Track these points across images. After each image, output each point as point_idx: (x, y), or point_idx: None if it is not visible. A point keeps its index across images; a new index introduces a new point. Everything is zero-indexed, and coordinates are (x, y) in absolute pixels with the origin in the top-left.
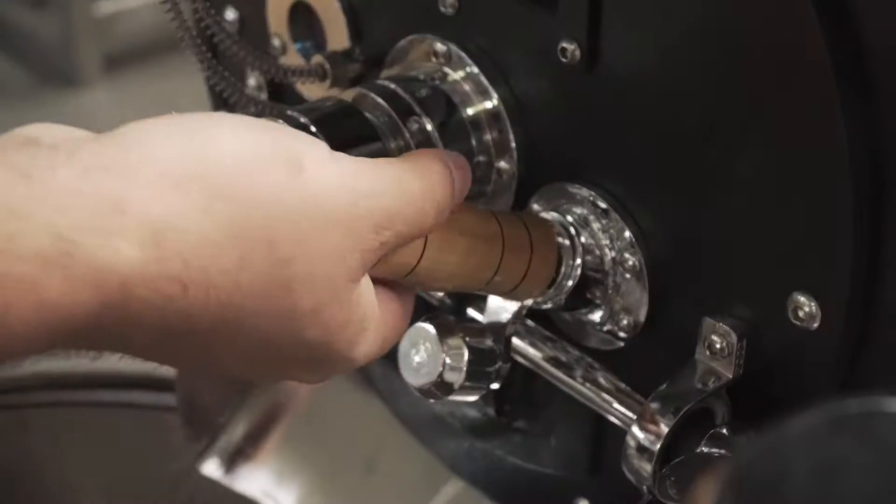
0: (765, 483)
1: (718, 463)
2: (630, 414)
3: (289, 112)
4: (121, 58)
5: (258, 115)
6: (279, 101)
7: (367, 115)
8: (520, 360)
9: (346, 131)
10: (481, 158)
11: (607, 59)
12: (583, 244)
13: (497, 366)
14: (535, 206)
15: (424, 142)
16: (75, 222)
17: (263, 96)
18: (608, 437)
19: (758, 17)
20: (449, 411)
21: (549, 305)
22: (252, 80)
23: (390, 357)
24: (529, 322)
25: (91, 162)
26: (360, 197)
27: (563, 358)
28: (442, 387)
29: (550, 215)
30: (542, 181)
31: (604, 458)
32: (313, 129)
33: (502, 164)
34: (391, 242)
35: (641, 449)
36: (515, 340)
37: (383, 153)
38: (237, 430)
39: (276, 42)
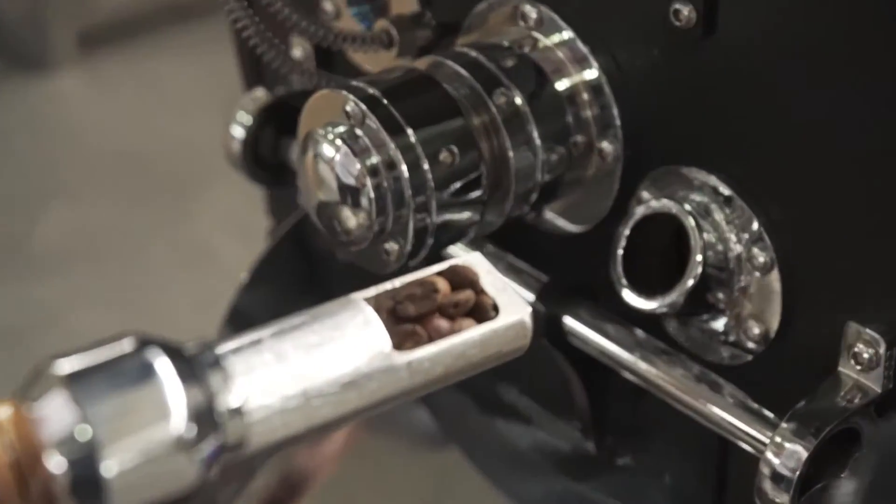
0: None
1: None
2: (762, 437)
3: (354, 83)
4: (96, 37)
5: (307, 85)
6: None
7: (446, 86)
8: (628, 376)
9: (421, 105)
10: (579, 138)
11: (727, 22)
12: (703, 238)
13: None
14: (645, 194)
15: (513, 117)
16: None
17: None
18: (734, 467)
19: None
20: (533, 445)
21: (663, 310)
22: (297, 51)
23: (460, 386)
24: (639, 332)
25: None
26: None
27: (682, 373)
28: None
29: (663, 203)
30: (651, 165)
31: (729, 494)
32: (385, 101)
33: (604, 145)
34: None
35: (777, 477)
36: (620, 352)
37: (466, 131)
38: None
39: (327, 5)
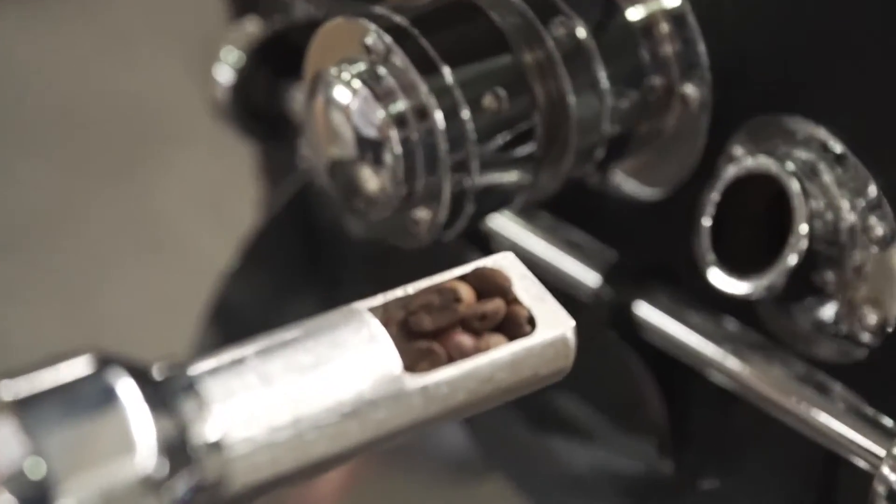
0: None
1: None
2: (877, 450)
3: (376, 10)
4: None
5: (314, 14)
6: (338, 1)
7: (491, 15)
8: (715, 377)
9: (460, 38)
10: (657, 81)
11: None
12: (809, 205)
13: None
14: (737, 151)
15: (574, 53)
16: None
17: None
18: (845, 490)
19: None
20: (596, 466)
21: (759, 294)
22: None
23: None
24: (729, 322)
25: None
26: None
27: (782, 372)
28: None
29: (760, 162)
30: (746, 114)
31: None
32: (415, 32)
33: (689, 90)
34: None
35: (895, 498)
36: (705, 346)
37: (515, 70)
38: None
39: None
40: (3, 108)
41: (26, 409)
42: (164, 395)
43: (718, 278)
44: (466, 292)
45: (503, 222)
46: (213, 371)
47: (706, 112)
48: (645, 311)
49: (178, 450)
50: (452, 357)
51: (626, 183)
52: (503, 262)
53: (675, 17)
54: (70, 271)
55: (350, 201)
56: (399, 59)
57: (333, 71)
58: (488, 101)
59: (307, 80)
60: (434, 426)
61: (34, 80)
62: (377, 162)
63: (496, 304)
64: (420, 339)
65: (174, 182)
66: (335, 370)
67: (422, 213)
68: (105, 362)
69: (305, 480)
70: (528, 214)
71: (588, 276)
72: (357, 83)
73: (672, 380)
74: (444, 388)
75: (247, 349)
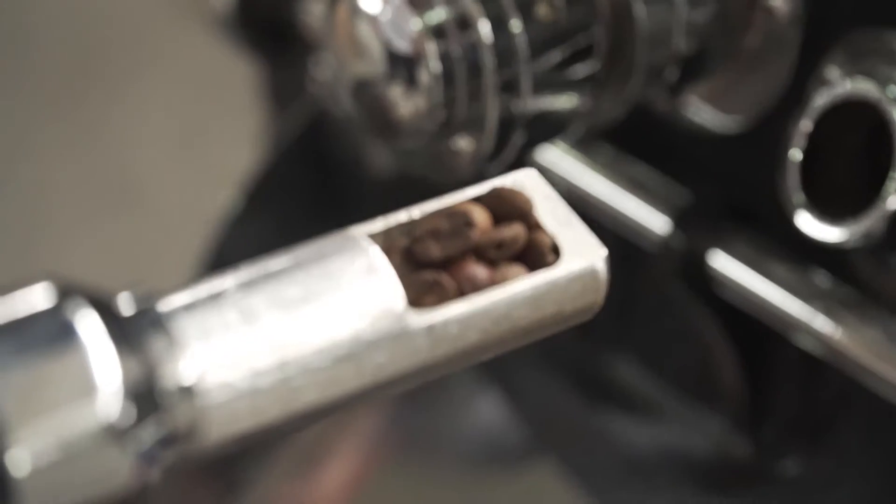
0: None
1: None
2: None
3: None
4: None
5: None
6: None
7: None
8: (802, 340)
9: None
10: None
11: None
12: None
13: None
14: (832, 73)
15: None
16: None
17: None
18: None
19: None
20: (661, 447)
21: (855, 242)
22: None
23: (550, 363)
24: (820, 275)
25: None
26: None
27: (880, 335)
28: None
29: (859, 85)
30: (843, 28)
31: None
32: None
33: (776, 1)
34: None
35: None
36: (791, 303)
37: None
38: None
39: None
40: None
41: None
42: (131, 332)
43: (808, 223)
44: (481, 216)
45: (556, 155)
46: (188, 306)
47: (796, 26)
48: (721, 261)
49: (145, 395)
50: (464, 291)
51: (702, 110)
52: (525, 181)
53: None
54: (17, 231)
55: (377, 128)
56: None
57: None
58: (542, 9)
59: None
60: (442, 372)
61: None
62: (411, 81)
63: (515, 230)
64: (426, 269)
65: (146, 113)
66: (328, 305)
67: (463, 143)
68: (65, 293)
69: (292, 431)
70: (586, 146)
71: (655, 220)
72: None
73: (751, 343)
74: (454, 327)
75: (227, 281)
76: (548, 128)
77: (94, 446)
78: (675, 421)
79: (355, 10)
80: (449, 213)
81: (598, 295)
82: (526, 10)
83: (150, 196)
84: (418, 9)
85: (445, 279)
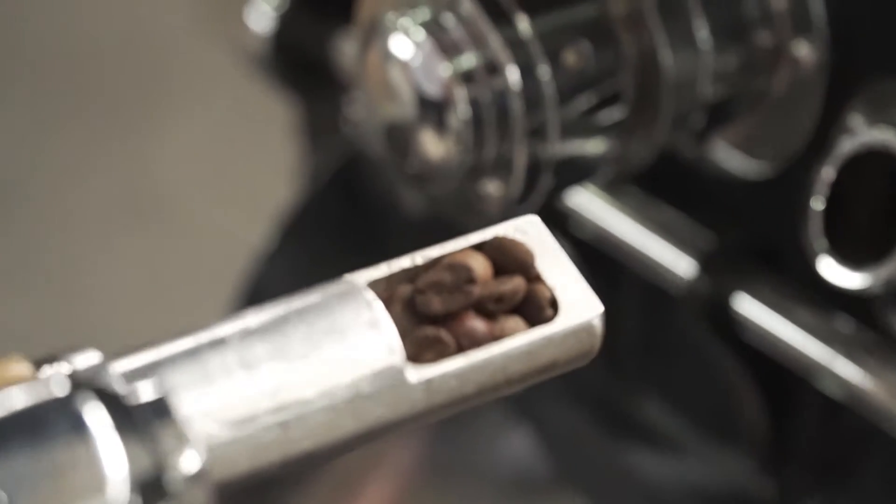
0: None
1: None
2: None
3: None
4: None
5: None
6: None
7: None
8: (825, 384)
9: None
10: (765, 38)
11: None
12: None
13: None
14: (856, 122)
15: (669, 3)
16: None
17: None
18: None
19: None
20: (685, 483)
21: (877, 289)
22: None
23: (576, 397)
24: (843, 320)
25: None
26: None
27: None
28: None
29: (881, 134)
30: (866, 78)
31: None
32: None
33: (801, 49)
34: None
35: None
36: (814, 347)
37: (602, 21)
38: None
39: None
40: None
41: None
42: (139, 421)
43: (830, 269)
44: (482, 268)
45: (585, 198)
46: (191, 363)
47: (821, 75)
48: (745, 305)
49: (153, 483)
50: (462, 345)
51: (729, 155)
52: (527, 229)
53: None
54: (51, 246)
55: (407, 171)
56: (468, 5)
57: (392, 18)
58: (570, 56)
59: (360, 27)
60: (436, 418)
61: (9, 8)
62: (441, 125)
63: (515, 285)
64: (427, 321)
65: (182, 142)
66: (329, 359)
67: (491, 186)
68: (76, 385)
69: (287, 473)
70: (614, 189)
71: (681, 264)
72: (419, 33)
73: (774, 386)
74: (451, 381)
75: (228, 332)
76: (575, 172)
77: None
78: (698, 459)
79: (387, 55)
80: (451, 265)
81: (593, 346)
82: (554, 57)
83: (182, 220)
84: (448, 54)
85: (445, 335)
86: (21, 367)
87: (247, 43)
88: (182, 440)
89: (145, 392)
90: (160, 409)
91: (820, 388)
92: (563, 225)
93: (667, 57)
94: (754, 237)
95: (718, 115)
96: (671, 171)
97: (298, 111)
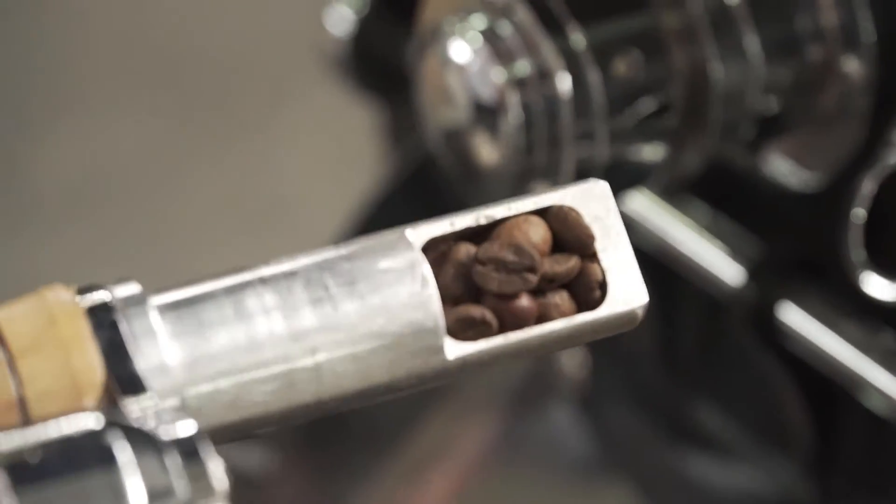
0: None
1: None
2: None
3: None
4: None
5: None
6: None
7: None
8: (870, 397)
9: None
10: (815, 54)
11: None
12: None
13: None
14: None
15: (721, 16)
16: None
17: None
18: None
19: None
20: (732, 485)
21: None
22: None
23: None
24: (887, 337)
25: None
26: None
27: None
28: None
29: None
30: None
31: None
32: None
33: (849, 64)
34: None
35: None
36: (857, 360)
37: (655, 30)
38: None
39: None
40: (94, 49)
41: (17, 470)
42: (166, 459)
43: (870, 282)
44: (543, 241)
45: (638, 203)
46: (226, 309)
47: (868, 90)
48: (790, 314)
49: None
50: (504, 322)
51: (780, 166)
52: (594, 200)
53: None
54: (164, 239)
55: (462, 173)
56: (522, 14)
57: (448, 25)
58: (620, 65)
59: (419, 31)
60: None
61: (130, 10)
62: (494, 130)
63: (570, 267)
64: (476, 291)
65: (290, 140)
66: (369, 315)
67: (541, 189)
68: (109, 422)
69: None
70: (665, 196)
71: (730, 270)
72: (477, 39)
73: (820, 394)
74: (486, 358)
75: (270, 273)
76: (624, 178)
77: None
78: (747, 464)
79: (445, 60)
80: (518, 247)
81: (631, 328)
82: (604, 66)
83: (288, 216)
84: (503, 60)
85: (490, 317)
86: (64, 296)
87: (326, 46)
88: (206, 482)
89: (174, 429)
90: (187, 448)
91: (863, 402)
92: None
93: (717, 70)
94: (803, 247)
95: (769, 127)
96: (724, 179)
97: (380, 113)
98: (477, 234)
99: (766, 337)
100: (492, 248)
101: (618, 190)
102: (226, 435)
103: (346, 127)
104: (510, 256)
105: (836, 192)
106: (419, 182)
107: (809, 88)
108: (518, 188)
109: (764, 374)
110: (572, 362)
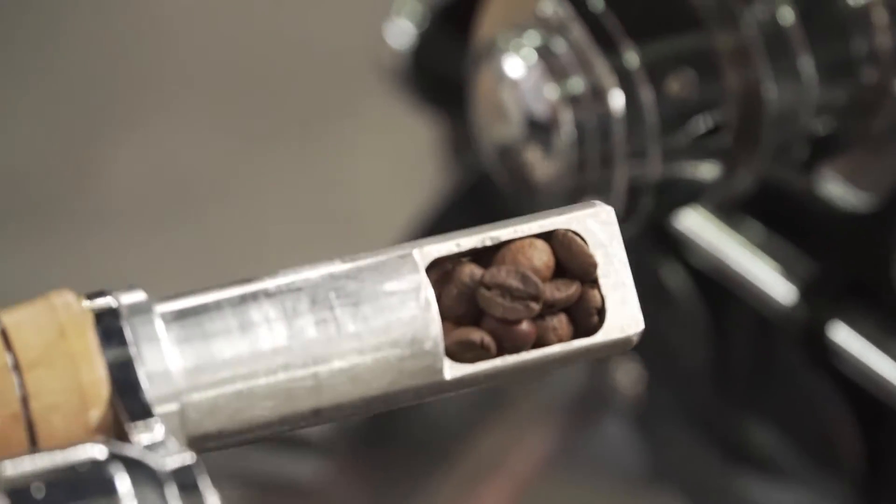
0: None
1: None
2: None
3: None
4: None
5: None
6: None
7: None
8: None
9: (648, 12)
10: (869, 76)
11: None
12: None
13: None
14: None
15: (776, 38)
16: None
17: None
18: None
19: None
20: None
21: None
22: None
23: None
24: None
25: None
26: None
27: None
28: None
29: None
30: None
31: None
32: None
33: None
34: None
35: None
36: None
37: (709, 51)
38: None
39: None
40: (168, 58)
41: (22, 494)
42: (164, 490)
43: None
44: (545, 266)
45: (692, 220)
46: (230, 319)
47: None
48: (841, 334)
49: None
50: (503, 346)
51: (835, 186)
52: (599, 225)
53: (893, 3)
54: (236, 248)
55: (516, 188)
56: (576, 31)
57: (503, 40)
58: (673, 84)
59: (474, 45)
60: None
61: (205, 21)
62: (547, 146)
63: (570, 294)
64: (478, 313)
65: (363, 153)
66: (371, 331)
67: None
68: (112, 454)
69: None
70: (721, 215)
71: (782, 289)
72: (531, 55)
73: (869, 415)
74: (482, 379)
75: (274, 284)
76: (676, 197)
77: None
78: (798, 484)
79: (499, 76)
80: (524, 276)
81: (623, 352)
82: (658, 84)
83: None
84: (557, 77)
85: (489, 343)
86: (71, 301)
87: (386, 60)
88: None
89: (174, 461)
90: (186, 481)
91: None
92: (671, 247)
93: (770, 90)
94: (855, 268)
95: (823, 148)
96: (777, 199)
97: (441, 128)
98: (481, 253)
99: (816, 356)
100: (499, 275)
101: (670, 207)
102: (224, 441)
103: (406, 140)
104: (515, 283)
105: (889, 213)
106: (478, 195)
107: (863, 110)
108: (572, 204)
109: (814, 393)
110: (627, 378)
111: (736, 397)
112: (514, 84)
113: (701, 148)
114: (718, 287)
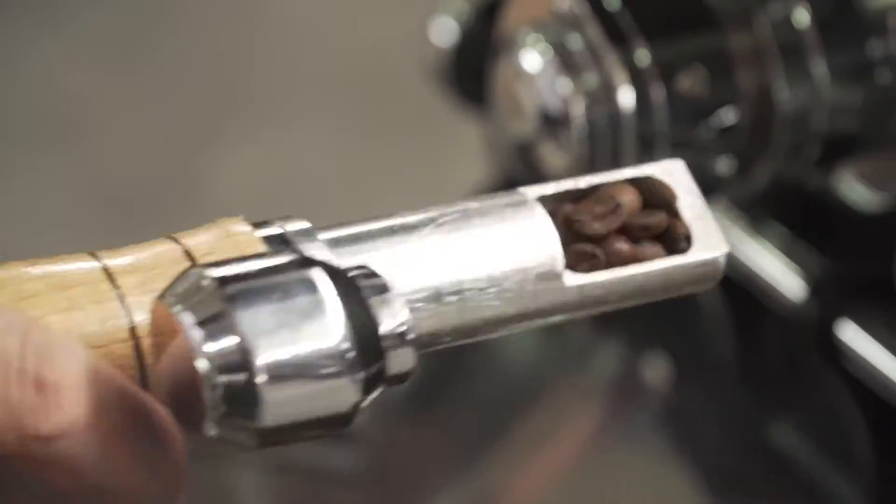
0: None
1: None
2: None
3: None
4: None
5: None
6: None
7: None
8: None
9: (664, 11)
10: (882, 79)
11: None
12: None
13: None
14: None
15: (788, 40)
16: None
17: None
18: None
19: None
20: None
21: None
22: None
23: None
24: None
25: None
26: None
27: None
28: None
29: None
30: None
31: None
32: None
33: None
34: None
35: None
36: None
37: (722, 50)
38: None
39: None
40: (279, 61)
41: (229, 286)
42: (357, 289)
43: None
44: (633, 198)
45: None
46: (385, 247)
47: None
48: (849, 333)
49: (370, 341)
50: (611, 262)
51: (851, 187)
52: (674, 174)
53: None
54: None
55: (531, 181)
56: (592, 27)
57: (520, 35)
58: (685, 82)
59: (496, 43)
60: (581, 316)
61: (320, 23)
62: (560, 140)
63: (659, 218)
64: (583, 240)
65: (391, 151)
66: (501, 256)
67: None
68: (306, 261)
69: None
70: (734, 213)
71: (792, 286)
72: (548, 51)
73: (879, 414)
74: (599, 290)
75: (417, 220)
76: None
77: (327, 374)
78: (812, 485)
79: (516, 70)
80: (602, 198)
81: (716, 279)
82: (668, 81)
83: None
84: (571, 72)
85: (598, 252)
86: (242, 227)
87: (430, 57)
88: (392, 306)
89: (361, 266)
90: (374, 281)
91: None
92: None
93: (782, 91)
94: (868, 267)
95: (839, 148)
96: (793, 198)
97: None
98: (579, 197)
99: (825, 355)
100: (586, 205)
101: None
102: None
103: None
104: (598, 207)
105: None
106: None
107: (879, 111)
108: None
109: (825, 392)
110: (656, 375)
111: (758, 394)
112: (530, 78)
113: (712, 145)
114: (736, 286)
